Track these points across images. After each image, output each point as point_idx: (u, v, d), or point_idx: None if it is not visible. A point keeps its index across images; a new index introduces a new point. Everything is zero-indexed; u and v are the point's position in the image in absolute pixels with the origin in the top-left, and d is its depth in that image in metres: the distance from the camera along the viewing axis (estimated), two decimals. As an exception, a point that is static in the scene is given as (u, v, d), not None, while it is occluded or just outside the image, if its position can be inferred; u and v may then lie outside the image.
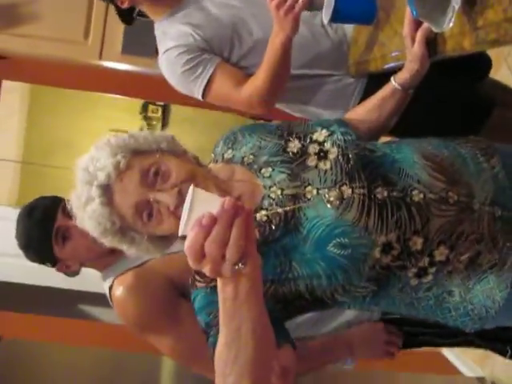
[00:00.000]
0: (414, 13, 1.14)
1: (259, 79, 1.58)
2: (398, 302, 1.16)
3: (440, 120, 1.65)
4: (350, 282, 1.09)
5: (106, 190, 1.09)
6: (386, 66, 1.47)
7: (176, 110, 4.48)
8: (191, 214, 0.82)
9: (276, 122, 1.32)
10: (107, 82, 3.61)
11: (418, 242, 1.09)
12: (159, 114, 4.54)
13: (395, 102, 1.31)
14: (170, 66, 1.69)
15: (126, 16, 1.88)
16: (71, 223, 1.31)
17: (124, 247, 1.15)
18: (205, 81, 1.65)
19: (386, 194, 1.10)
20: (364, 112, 1.34)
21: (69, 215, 1.19)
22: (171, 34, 1.69)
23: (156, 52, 1.77)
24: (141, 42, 2.85)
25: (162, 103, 4.43)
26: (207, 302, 1.07)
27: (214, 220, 0.78)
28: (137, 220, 1.09)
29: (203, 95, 1.69)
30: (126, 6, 1.71)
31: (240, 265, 0.80)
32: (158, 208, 1.08)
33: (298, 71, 1.67)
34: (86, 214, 1.10)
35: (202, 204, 0.82)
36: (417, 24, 1.21)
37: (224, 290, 0.85)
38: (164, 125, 4.57)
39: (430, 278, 1.11)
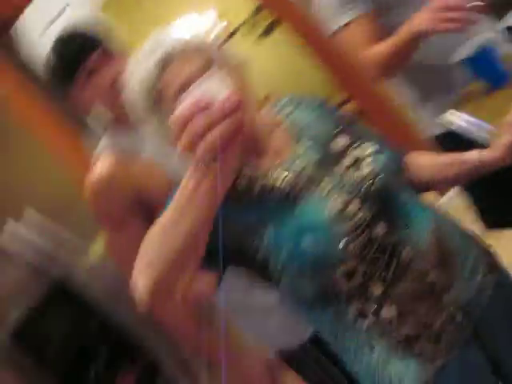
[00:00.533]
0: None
1: None
2: (325, 325, 1.16)
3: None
4: (301, 279, 1.09)
5: (168, 58, 1.09)
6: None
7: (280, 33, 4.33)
8: (197, 89, 0.81)
9: (344, 112, 1.30)
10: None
11: (378, 289, 1.09)
12: (265, 23, 4.67)
13: (464, 174, 1.25)
14: None
15: None
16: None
17: (144, 118, 1.13)
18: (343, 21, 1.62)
19: (383, 232, 1.10)
20: (429, 161, 1.31)
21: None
22: None
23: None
24: None
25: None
26: None
27: (212, 104, 0.77)
28: (175, 98, 1.04)
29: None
30: None
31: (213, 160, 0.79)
32: None
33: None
34: (138, 67, 1.11)
35: (214, 87, 0.80)
36: None
37: (187, 180, 0.85)
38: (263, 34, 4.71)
39: (365, 324, 1.11)
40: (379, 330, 1.11)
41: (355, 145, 1.18)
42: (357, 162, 1.15)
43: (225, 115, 0.76)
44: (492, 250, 1.27)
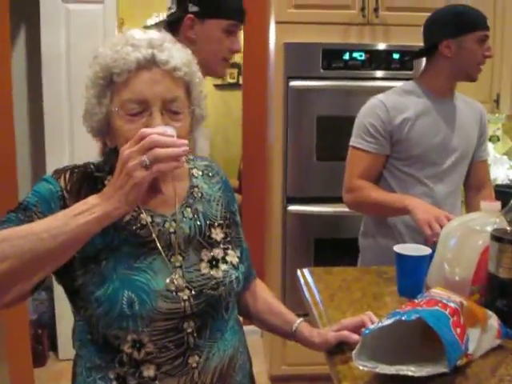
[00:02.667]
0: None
1: None
2: (85, 362, 1.17)
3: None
4: (100, 323, 1.09)
5: (140, 63, 1.08)
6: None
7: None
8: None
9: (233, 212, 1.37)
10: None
11: (149, 372, 1.11)
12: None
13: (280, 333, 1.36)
14: (368, 108, 2.10)
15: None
16: None
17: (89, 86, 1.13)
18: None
19: (189, 331, 1.13)
20: (265, 298, 1.40)
21: None
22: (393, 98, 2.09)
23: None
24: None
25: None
26: (54, 195, 1.09)
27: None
28: (128, 105, 1.07)
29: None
30: None
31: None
32: (146, 120, 1.07)
33: None
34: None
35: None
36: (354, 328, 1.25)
37: (88, 201, 0.99)
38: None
39: None
40: None
41: (224, 245, 1.22)
42: (216, 261, 1.19)
43: (176, 157, 0.97)
44: None
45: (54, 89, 3.19)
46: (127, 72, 1.08)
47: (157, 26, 4.46)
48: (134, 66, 1.08)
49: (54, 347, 3.41)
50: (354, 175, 2.10)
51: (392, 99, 2.08)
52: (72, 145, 3.22)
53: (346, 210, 2.86)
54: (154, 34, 1.13)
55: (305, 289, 1.72)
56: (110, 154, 1.13)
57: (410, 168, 2.07)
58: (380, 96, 2.11)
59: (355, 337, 1.23)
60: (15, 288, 0.97)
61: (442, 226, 1.66)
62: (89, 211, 0.97)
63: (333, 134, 2.98)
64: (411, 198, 1.94)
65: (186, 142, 1.01)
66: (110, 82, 1.10)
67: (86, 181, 1.10)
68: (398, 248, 1.61)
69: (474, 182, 2.26)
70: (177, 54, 1.12)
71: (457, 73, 2.06)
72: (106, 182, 1.13)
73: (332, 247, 3.04)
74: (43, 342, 3.31)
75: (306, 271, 1.85)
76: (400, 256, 1.60)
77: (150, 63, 1.09)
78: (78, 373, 1.20)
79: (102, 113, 1.12)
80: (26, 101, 3.39)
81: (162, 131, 1.00)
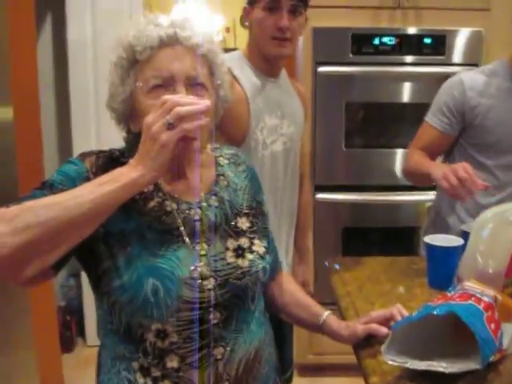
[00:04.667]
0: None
1: None
2: (110, 353, 1.15)
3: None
4: (123, 312, 1.08)
5: (163, 40, 1.09)
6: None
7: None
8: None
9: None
10: None
11: (172, 363, 1.09)
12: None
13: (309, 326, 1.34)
14: (447, 85, 1.99)
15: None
16: None
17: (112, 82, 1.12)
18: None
19: (214, 322, 1.10)
20: (292, 291, 1.38)
21: None
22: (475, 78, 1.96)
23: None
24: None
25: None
26: (80, 176, 1.07)
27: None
28: (152, 81, 1.07)
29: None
30: None
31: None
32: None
33: None
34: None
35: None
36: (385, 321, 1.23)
37: (115, 171, 0.98)
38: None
39: (139, 380, 1.11)
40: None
41: (251, 235, 1.19)
42: (242, 250, 1.16)
43: (199, 114, 0.96)
44: None
45: (80, 76, 3.18)
46: (150, 49, 1.08)
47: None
48: (156, 42, 1.08)
49: (82, 333, 3.44)
50: (415, 146, 2.04)
51: (473, 79, 1.96)
52: (98, 132, 3.22)
53: (375, 198, 2.82)
54: (177, 15, 1.13)
55: (333, 279, 1.69)
56: (134, 140, 1.11)
57: (480, 155, 1.95)
58: (463, 74, 2.00)
59: (384, 330, 1.20)
60: (37, 260, 0.95)
61: (460, 179, 1.56)
62: (115, 180, 0.96)
63: (362, 121, 2.92)
64: (436, 164, 1.87)
65: (207, 102, 0.99)
66: (133, 63, 1.10)
67: (112, 165, 1.08)
68: (429, 239, 1.57)
69: None
70: (199, 31, 1.11)
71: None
72: None
73: (361, 236, 3.00)
74: (71, 328, 3.34)
75: (334, 261, 1.82)
76: (430, 247, 1.55)
77: (173, 40, 1.09)
78: (102, 363, 1.19)
79: (126, 93, 1.11)
80: (53, 89, 3.40)
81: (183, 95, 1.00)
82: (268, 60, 1.80)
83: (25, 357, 2.36)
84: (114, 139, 1.22)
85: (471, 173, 1.56)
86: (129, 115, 1.14)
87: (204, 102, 0.98)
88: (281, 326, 1.81)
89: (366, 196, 2.90)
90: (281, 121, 1.80)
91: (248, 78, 1.73)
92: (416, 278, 1.63)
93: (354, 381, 1.36)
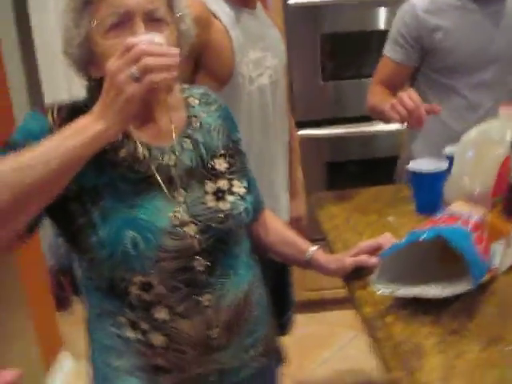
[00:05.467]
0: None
1: None
2: (96, 309, 1.14)
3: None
4: (104, 266, 1.05)
5: None
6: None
7: None
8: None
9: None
10: None
11: (161, 315, 1.07)
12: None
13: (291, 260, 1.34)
14: (398, 13, 1.93)
15: None
16: None
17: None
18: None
19: (199, 269, 1.07)
20: (276, 229, 1.36)
21: None
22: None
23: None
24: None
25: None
26: (43, 130, 1.00)
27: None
28: (108, 19, 0.99)
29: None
30: None
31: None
32: (130, 33, 0.98)
33: None
34: None
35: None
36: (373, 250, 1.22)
37: (78, 123, 0.90)
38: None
39: (130, 335, 1.10)
40: (137, 348, 1.10)
41: (229, 176, 1.16)
42: (222, 192, 1.12)
43: (168, 67, 0.89)
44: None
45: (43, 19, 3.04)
46: None
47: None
48: None
49: (77, 291, 3.44)
50: (375, 82, 2.00)
51: (426, 1, 1.88)
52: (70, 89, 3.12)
53: (356, 130, 2.77)
54: None
55: (320, 214, 1.67)
56: (96, 87, 1.04)
57: (445, 78, 1.90)
58: None
59: (373, 260, 1.18)
60: (8, 224, 0.90)
61: (409, 109, 1.51)
62: (78, 132, 0.90)
63: (338, 53, 2.84)
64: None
65: (177, 50, 0.92)
66: (86, 3, 1.02)
67: (75, 115, 1.01)
68: (413, 165, 1.54)
69: None
70: None
71: None
72: None
73: (345, 170, 2.97)
74: (66, 287, 3.34)
75: (319, 196, 1.80)
76: (415, 174, 1.53)
77: None
78: (90, 320, 1.17)
79: (81, 35, 1.03)
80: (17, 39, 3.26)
81: (149, 38, 0.92)
82: None
83: (21, 318, 2.36)
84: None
85: (416, 99, 1.51)
86: (87, 61, 1.06)
87: (174, 53, 0.91)
88: (279, 270, 1.80)
89: (347, 129, 2.86)
90: (264, 53, 1.72)
91: (224, 11, 1.66)
92: (403, 206, 1.62)
93: (349, 313, 1.35)
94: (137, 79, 0.87)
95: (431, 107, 1.53)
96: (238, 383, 1.19)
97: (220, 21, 1.62)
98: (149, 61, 0.87)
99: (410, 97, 1.51)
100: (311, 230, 1.72)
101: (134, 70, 0.87)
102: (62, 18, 1.04)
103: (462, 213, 1.13)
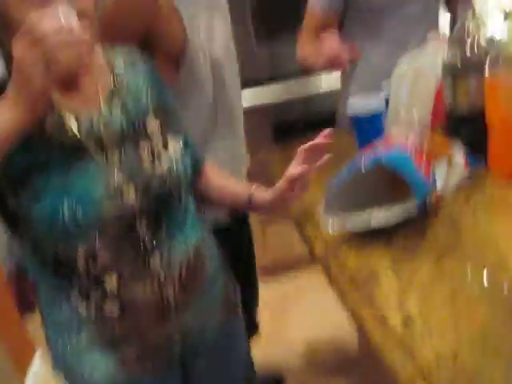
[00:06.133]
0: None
1: None
2: (45, 286, 1.12)
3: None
4: (47, 238, 1.02)
5: None
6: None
7: None
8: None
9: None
10: None
11: (112, 281, 1.05)
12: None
13: (234, 205, 1.32)
14: None
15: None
16: None
17: None
18: None
19: (143, 230, 1.06)
20: (217, 179, 1.32)
21: None
22: None
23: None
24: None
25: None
26: None
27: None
28: None
29: None
30: None
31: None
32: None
33: None
34: None
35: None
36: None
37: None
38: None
39: (84, 306, 1.07)
40: (93, 321, 1.08)
41: (163, 135, 1.11)
42: (158, 152, 1.08)
43: (77, 43, 0.83)
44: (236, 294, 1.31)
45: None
46: None
47: None
48: None
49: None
50: (303, 33, 1.95)
51: None
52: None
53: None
54: None
55: (270, 171, 1.67)
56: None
57: (372, 16, 1.86)
58: None
59: (297, 168, 1.12)
60: None
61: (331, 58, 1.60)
62: None
63: (270, 7, 2.77)
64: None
65: (86, 38, 0.87)
66: None
67: None
68: (351, 108, 1.54)
69: None
70: None
71: None
72: None
73: (290, 130, 2.95)
74: (27, 288, 3.28)
75: (264, 154, 1.80)
76: (355, 118, 1.53)
77: None
78: (42, 302, 1.14)
79: None
80: None
81: (55, 12, 0.84)
82: None
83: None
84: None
85: (335, 47, 1.57)
86: (4, 34, 1.00)
87: (83, 40, 0.85)
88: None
89: (293, 86, 2.83)
90: (210, 18, 1.64)
91: None
92: (349, 149, 1.62)
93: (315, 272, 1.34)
94: (45, 62, 0.82)
95: (352, 53, 1.59)
96: (204, 346, 1.19)
97: None
98: (53, 45, 0.82)
99: (329, 43, 1.57)
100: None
101: (39, 61, 0.82)
102: None
103: (400, 137, 1.13)
